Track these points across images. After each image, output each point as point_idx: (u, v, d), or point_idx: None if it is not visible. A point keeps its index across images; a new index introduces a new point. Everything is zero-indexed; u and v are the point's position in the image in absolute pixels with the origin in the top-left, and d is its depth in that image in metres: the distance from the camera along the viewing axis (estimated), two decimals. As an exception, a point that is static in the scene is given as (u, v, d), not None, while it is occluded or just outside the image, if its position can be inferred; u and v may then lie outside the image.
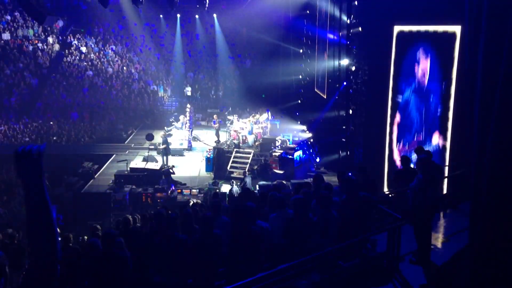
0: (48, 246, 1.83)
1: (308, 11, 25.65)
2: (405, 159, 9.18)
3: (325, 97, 20.20)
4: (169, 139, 20.05)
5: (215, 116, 22.59)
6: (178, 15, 32.01)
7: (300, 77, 27.15)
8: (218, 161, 18.97)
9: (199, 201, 15.71)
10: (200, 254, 5.76)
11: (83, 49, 30.82)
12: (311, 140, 22.06)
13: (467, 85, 9.16)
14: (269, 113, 22.91)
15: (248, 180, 16.29)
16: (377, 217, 7.57)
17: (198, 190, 16.55)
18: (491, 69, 4.29)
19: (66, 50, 30.48)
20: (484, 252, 4.65)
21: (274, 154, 18.98)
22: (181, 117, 22.95)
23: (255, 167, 18.50)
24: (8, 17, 30.93)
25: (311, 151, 21.04)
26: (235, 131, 20.59)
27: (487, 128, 4.31)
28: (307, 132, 23.49)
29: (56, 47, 30.71)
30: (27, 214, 1.83)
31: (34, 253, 1.84)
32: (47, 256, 1.82)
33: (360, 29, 15.87)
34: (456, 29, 10.18)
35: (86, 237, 10.95)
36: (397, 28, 12.74)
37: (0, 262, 7.26)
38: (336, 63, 18.82)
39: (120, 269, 5.68)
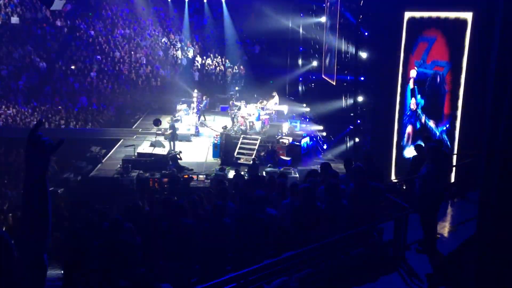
0: (38, 236, 1.79)
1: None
2: (419, 147, 9.13)
3: (334, 83, 20.05)
4: (176, 125, 20.04)
5: (231, 102, 22.53)
6: (186, 0, 31.78)
7: (309, 63, 26.95)
8: (225, 147, 18.96)
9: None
10: (209, 242, 5.78)
11: (91, 32, 30.74)
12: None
13: (479, 72, 9.06)
14: (277, 97, 22.74)
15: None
16: (384, 205, 7.54)
17: (205, 175, 16.58)
18: (507, 56, 4.21)
19: (74, 34, 30.42)
20: (492, 241, 4.61)
21: (281, 140, 18.93)
22: (182, 105, 22.93)
23: (262, 153, 18.47)
24: (17, 0, 30.84)
25: (318, 138, 20.97)
26: (242, 117, 20.53)
27: (500, 116, 4.24)
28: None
29: (64, 30, 30.65)
30: (23, 202, 1.79)
31: (21, 242, 1.79)
32: (35, 248, 1.78)
33: (370, 14, 15.69)
34: (468, 15, 10.02)
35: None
36: (407, 14, 12.57)
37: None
38: (346, 48, 18.65)
39: (128, 255, 5.71)
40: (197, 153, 19.70)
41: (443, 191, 7.01)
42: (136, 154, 17.81)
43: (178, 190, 14.53)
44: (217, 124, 22.64)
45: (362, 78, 16.73)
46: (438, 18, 11.27)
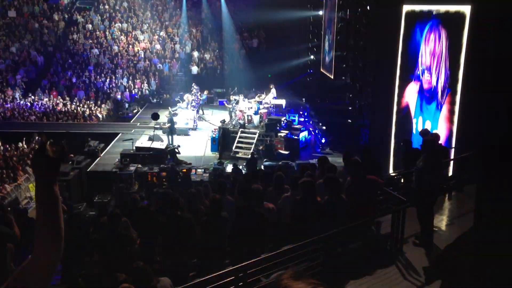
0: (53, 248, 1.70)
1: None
2: (407, 141, 9.16)
3: (332, 77, 20.04)
4: (175, 119, 20.02)
5: (232, 97, 22.53)
6: (184, -7, 31.69)
7: (307, 57, 26.91)
8: (223, 141, 18.94)
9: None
10: (207, 236, 5.79)
11: (89, 26, 30.62)
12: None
13: (477, 66, 9.05)
14: (275, 90, 22.65)
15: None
16: (382, 198, 7.56)
17: (203, 169, 16.58)
18: (505, 49, 4.22)
19: (72, 28, 30.31)
20: (489, 235, 4.64)
21: (279, 134, 18.92)
22: (186, 96, 22.90)
23: (261, 147, 18.46)
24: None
25: (316, 131, 20.96)
26: (240, 111, 20.50)
27: (499, 110, 4.26)
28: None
29: (62, 24, 30.52)
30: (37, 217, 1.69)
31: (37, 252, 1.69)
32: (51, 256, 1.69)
33: (368, 8, 15.65)
34: (466, 8, 9.99)
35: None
36: (406, 7, 12.53)
37: None
38: (344, 42, 18.63)
39: (126, 249, 5.74)
40: (195, 147, 19.69)
41: (439, 185, 7.02)
42: (134, 148, 17.80)
43: (177, 184, 14.55)
44: (215, 118, 22.62)
45: (360, 72, 16.72)
46: (436, 11, 11.24)
